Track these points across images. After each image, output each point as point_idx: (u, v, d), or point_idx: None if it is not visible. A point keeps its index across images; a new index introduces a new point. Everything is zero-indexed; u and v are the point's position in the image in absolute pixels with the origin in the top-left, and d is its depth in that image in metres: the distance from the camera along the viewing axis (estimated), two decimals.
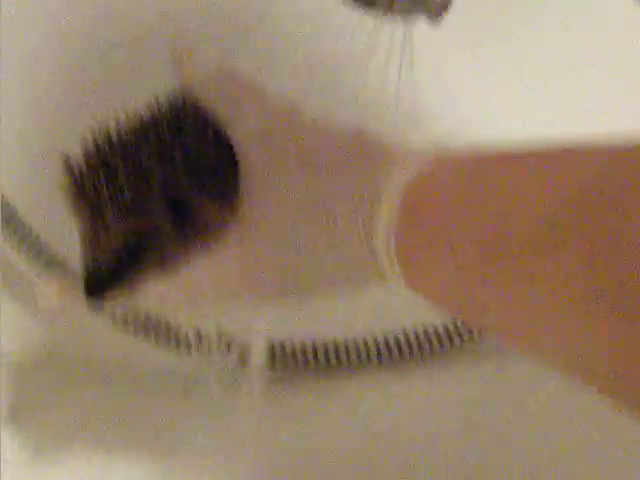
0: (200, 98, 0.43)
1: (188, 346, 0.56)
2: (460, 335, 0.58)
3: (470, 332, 0.58)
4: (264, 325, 0.50)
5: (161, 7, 0.59)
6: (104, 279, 0.40)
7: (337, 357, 0.59)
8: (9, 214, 0.56)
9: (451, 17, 0.43)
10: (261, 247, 0.42)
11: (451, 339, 0.59)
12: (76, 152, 0.42)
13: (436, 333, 0.59)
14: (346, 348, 0.59)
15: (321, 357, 0.58)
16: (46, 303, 0.44)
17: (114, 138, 0.41)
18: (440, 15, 0.43)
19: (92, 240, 0.41)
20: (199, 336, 0.56)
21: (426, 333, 0.59)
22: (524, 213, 0.34)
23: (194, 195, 0.40)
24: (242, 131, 0.42)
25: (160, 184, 0.40)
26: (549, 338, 0.35)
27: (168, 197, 0.40)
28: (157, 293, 0.43)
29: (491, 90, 0.66)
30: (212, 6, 0.61)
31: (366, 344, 0.59)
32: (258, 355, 0.52)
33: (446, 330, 0.59)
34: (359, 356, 0.59)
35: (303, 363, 0.58)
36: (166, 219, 0.40)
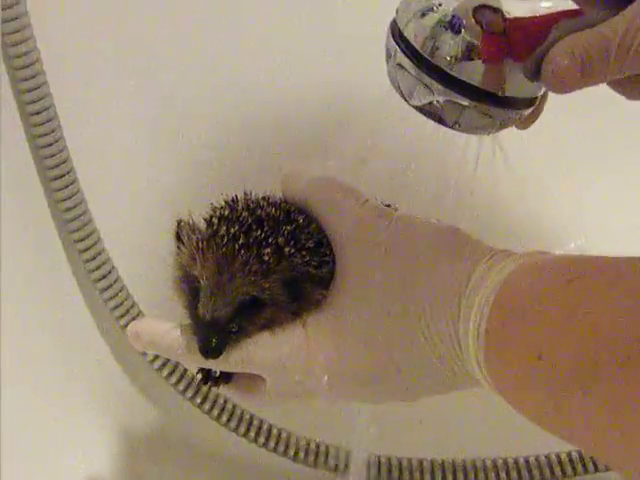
0: (302, 203, 0.47)
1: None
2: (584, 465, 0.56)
3: (594, 463, 0.56)
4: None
5: None
6: (221, 331, 0.45)
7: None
8: None
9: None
10: (352, 326, 0.44)
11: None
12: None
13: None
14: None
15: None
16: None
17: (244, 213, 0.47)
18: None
19: (213, 291, 0.45)
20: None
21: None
22: (617, 330, 0.34)
23: (306, 280, 0.46)
24: (338, 225, 0.46)
25: (283, 266, 0.45)
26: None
27: (288, 280, 0.46)
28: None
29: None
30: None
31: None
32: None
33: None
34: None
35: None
36: (282, 295, 0.46)
